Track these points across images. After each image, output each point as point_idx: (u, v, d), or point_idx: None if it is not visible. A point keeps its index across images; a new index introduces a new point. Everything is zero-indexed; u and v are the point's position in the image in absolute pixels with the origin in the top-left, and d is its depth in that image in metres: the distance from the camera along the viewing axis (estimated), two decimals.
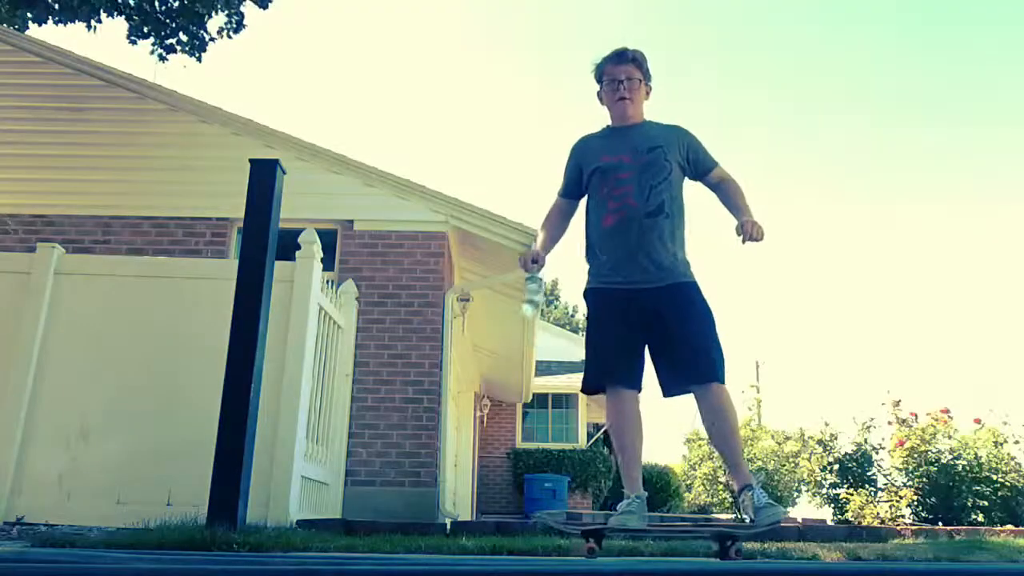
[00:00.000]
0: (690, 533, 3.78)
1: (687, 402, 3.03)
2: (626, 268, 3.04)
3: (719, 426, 2.93)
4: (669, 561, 3.00)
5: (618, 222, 3.06)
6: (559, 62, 49.24)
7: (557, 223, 3.34)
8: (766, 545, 3.65)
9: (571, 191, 3.30)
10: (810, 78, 39.21)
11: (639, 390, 3.03)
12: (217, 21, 11.04)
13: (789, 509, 12.25)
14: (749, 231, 2.99)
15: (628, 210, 3.04)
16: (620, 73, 3.19)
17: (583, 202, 3.30)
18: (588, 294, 3.18)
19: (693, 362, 2.93)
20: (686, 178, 3.24)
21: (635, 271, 3.03)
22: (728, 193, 3.21)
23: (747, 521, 2.82)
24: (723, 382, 2.93)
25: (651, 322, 3.01)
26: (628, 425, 2.98)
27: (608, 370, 3.02)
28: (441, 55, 51.17)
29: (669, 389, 3.04)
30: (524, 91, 51.11)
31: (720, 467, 11.42)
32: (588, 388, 3.09)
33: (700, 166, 3.23)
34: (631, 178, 3.07)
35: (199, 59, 10.98)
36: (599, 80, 3.27)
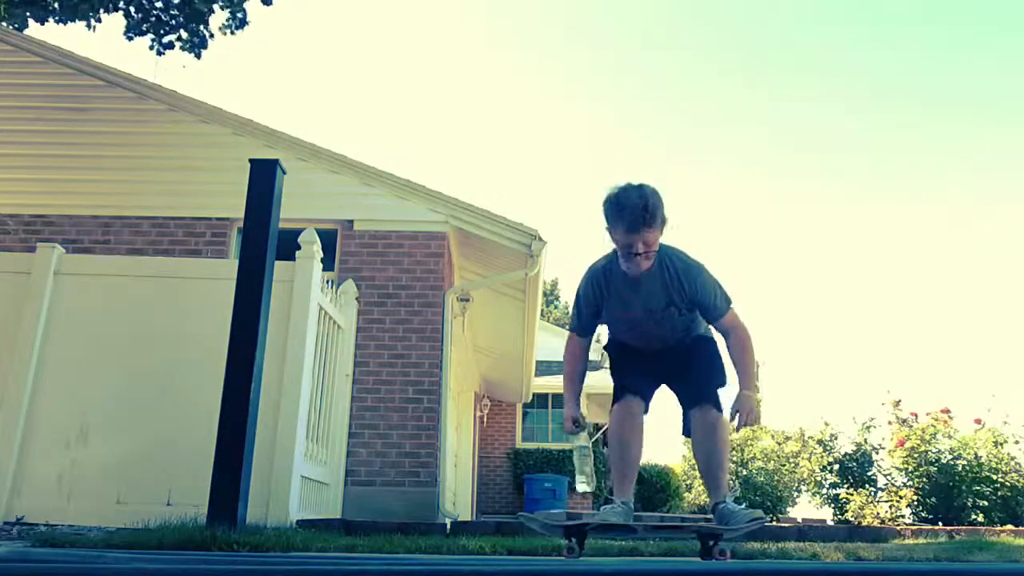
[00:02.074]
0: (674, 532, 3.80)
1: None
2: (645, 344, 3.17)
3: (705, 446, 2.99)
4: (668, 561, 3.01)
5: (632, 329, 3.15)
6: (559, 61, 49.28)
7: (580, 369, 3.25)
8: (766, 545, 3.66)
9: (589, 330, 3.24)
10: (807, 77, 39.24)
11: (647, 408, 3.11)
12: (219, 18, 10.98)
13: (789, 509, 12.26)
14: (745, 419, 2.92)
15: (643, 332, 3.15)
16: (637, 245, 2.87)
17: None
18: (610, 344, 3.28)
19: (693, 385, 3.05)
20: None
21: (654, 346, 3.16)
22: (734, 348, 3.05)
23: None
24: (718, 408, 2.99)
25: (668, 359, 3.13)
26: (632, 431, 3.04)
27: (625, 383, 3.11)
28: (441, 54, 51.22)
29: (685, 425, 3.11)
30: (523, 90, 51.17)
31: None
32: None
33: (706, 315, 3.09)
34: (645, 322, 3.09)
35: (198, 56, 10.87)
36: (609, 230, 2.96)
